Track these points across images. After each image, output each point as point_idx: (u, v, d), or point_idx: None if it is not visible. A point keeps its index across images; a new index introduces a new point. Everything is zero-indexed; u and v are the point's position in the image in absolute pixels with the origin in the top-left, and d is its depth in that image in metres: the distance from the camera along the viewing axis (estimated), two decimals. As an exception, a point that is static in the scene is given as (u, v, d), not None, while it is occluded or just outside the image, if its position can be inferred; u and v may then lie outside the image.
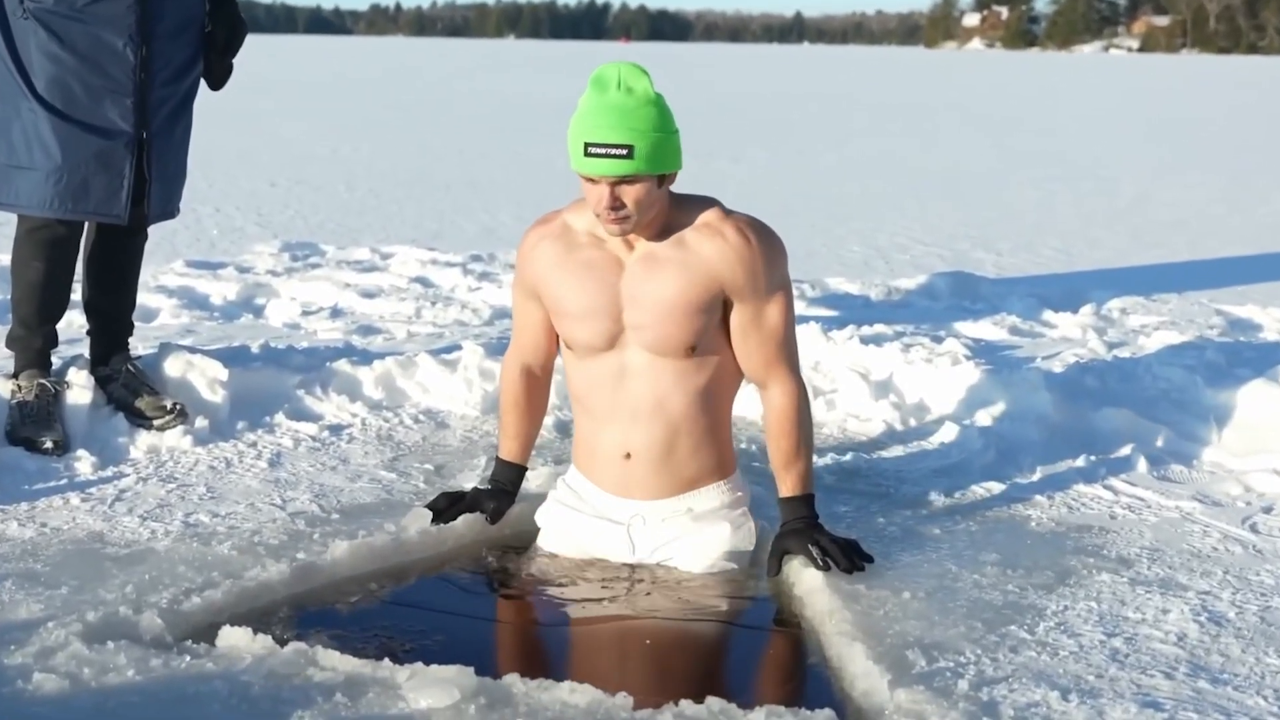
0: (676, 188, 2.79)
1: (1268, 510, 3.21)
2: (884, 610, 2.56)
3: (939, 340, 4.63)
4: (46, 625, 2.38)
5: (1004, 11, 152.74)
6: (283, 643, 2.35)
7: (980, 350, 4.56)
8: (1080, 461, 3.48)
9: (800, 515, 2.79)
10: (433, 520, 2.93)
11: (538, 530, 2.96)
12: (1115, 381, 4.04)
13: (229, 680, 2.22)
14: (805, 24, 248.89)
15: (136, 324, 3.81)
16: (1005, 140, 16.92)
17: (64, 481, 3.20)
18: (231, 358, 3.86)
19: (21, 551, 2.79)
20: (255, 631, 2.38)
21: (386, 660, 2.28)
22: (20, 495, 3.10)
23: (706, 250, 2.74)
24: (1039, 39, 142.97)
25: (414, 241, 7.70)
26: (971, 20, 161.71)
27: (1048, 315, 5.67)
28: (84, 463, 3.30)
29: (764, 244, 2.76)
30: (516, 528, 2.99)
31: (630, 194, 2.66)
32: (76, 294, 3.69)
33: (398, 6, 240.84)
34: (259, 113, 17.69)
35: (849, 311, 5.53)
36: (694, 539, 2.82)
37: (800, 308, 4.12)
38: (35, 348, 3.54)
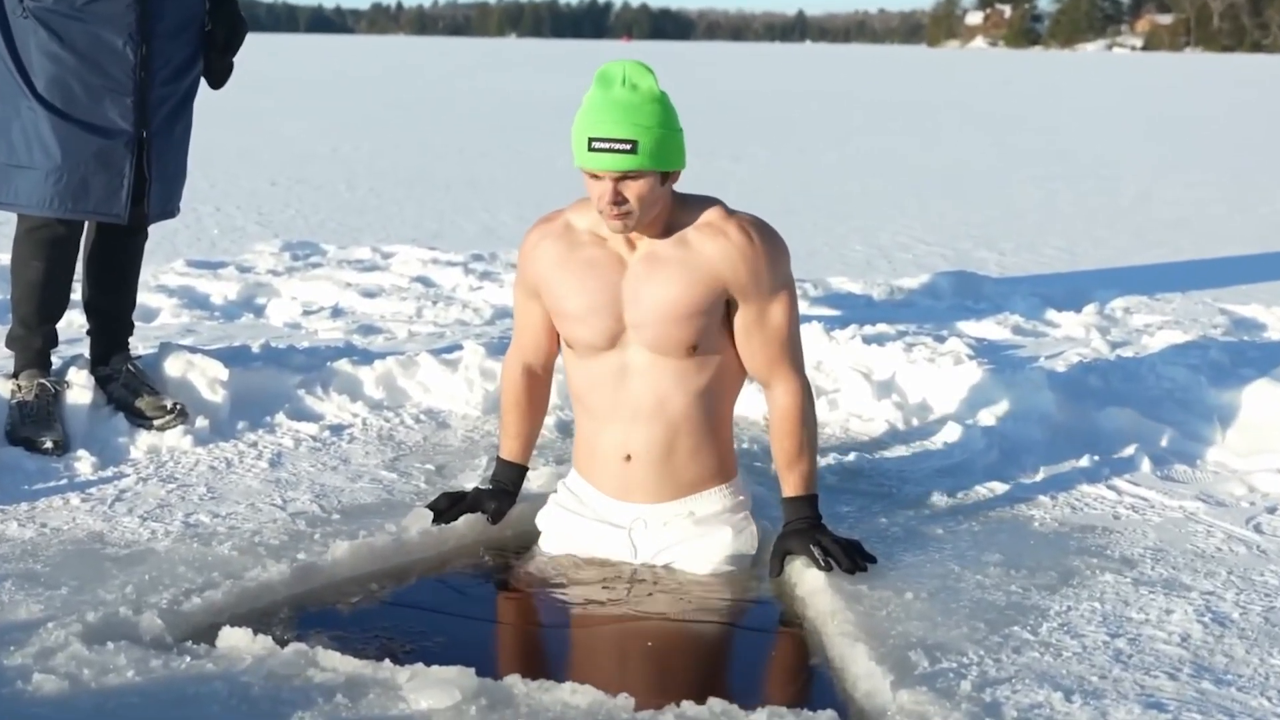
0: (678, 187, 2.79)
1: (1272, 510, 3.20)
2: (886, 611, 2.56)
3: (942, 340, 4.62)
4: (46, 626, 2.38)
5: (1007, 10, 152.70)
6: (283, 643, 2.34)
7: (983, 350, 4.55)
8: (1084, 461, 3.47)
9: (803, 515, 2.78)
10: (434, 520, 2.92)
11: (539, 532, 2.95)
12: (1119, 381, 4.04)
13: (229, 681, 2.21)
14: (807, 22, 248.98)
15: (137, 324, 3.81)
16: (1007, 139, 16.92)
17: (64, 482, 3.20)
18: (232, 357, 3.86)
19: (21, 552, 2.78)
20: (255, 632, 2.37)
21: (387, 661, 2.28)
22: (20, 495, 3.09)
23: (709, 250, 2.73)
24: (1042, 37, 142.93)
25: (415, 241, 7.69)
26: (974, 19, 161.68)
27: (1051, 315, 5.66)
28: (84, 463, 3.29)
29: (767, 243, 2.75)
30: (518, 528, 2.98)
31: (633, 189, 2.65)
32: (76, 294, 3.68)
33: (399, 5, 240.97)
34: (259, 112, 17.70)
35: (851, 311, 5.52)
36: (696, 543, 2.81)
37: (802, 307, 4.10)
38: (35, 347, 3.54)
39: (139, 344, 3.84)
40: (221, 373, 3.71)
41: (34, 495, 3.10)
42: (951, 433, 3.67)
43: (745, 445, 3.55)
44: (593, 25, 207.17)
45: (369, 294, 5.88)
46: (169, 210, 3.61)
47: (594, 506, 2.88)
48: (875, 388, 4.01)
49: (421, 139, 15.30)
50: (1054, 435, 3.64)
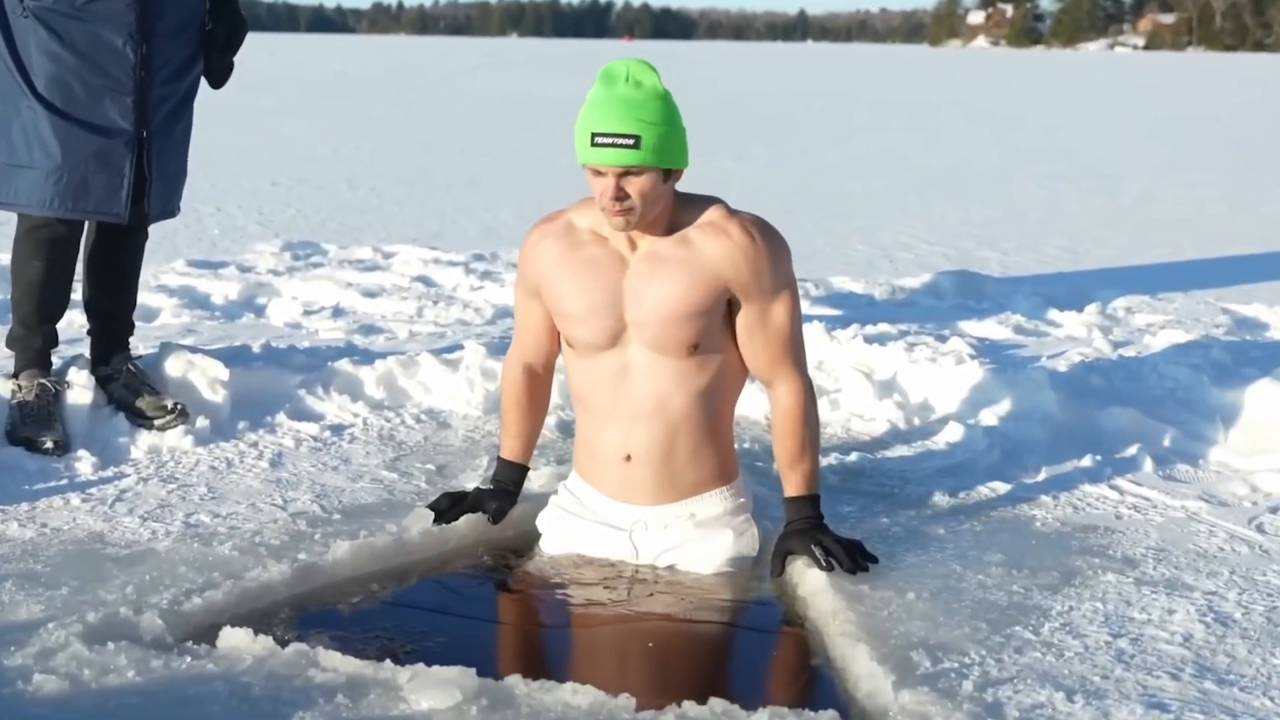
0: (680, 187, 2.78)
1: (1274, 510, 3.20)
2: (888, 611, 2.55)
3: (943, 339, 4.61)
4: (47, 626, 2.37)
5: (1009, 9, 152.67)
6: (284, 644, 2.34)
7: (985, 349, 4.54)
8: (1086, 461, 3.46)
9: (804, 515, 2.78)
10: (434, 521, 2.92)
11: (540, 533, 2.94)
12: (1121, 381, 4.03)
13: (229, 681, 2.21)
14: (809, 22, 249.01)
15: (137, 323, 3.80)
16: (1009, 137, 16.91)
17: (64, 482, 3.19)
18: (233, 357, 3.85)
19: (22, 552, 2.78)
20: (256, 632, 2.37)
21: (388, 661, 2.27)
22: (20, 495, 3.09)
23: (711, 249, 2.73)
24: (1044, 37, 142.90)
25: (416, 240, 7.69)
26: (976, 18, 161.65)
27: (1053, 314, 5.65)
28: (84, 463, 3.29)
29: (769, 242, 2.75)
30: (519, 528, 2.97)
31: (635, 185, 2.65)
32: (77, 293, 3.68)
33: (400, 5, 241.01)
34: (260, 111, 17.70)
35: (853, 310, 5.52)
36: (697, 545, 2.81)
37: (804, 307, 4.10)
38: (35, 347, 3.53)
39: (139, 344, 3.84)
40: (222, 373, 3.71)
41: (34, 495, 3.10)
42: (953, 432, 3.67)
43: (747, 445, 3.55)
44: (594, 25, 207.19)
45: (370, 294, 5.88)
46: (169, 210, 3.61)
47: (594, 509, 2.88)
48: (877, 387, 4.00)
49: (422, 139, 15.30)
50: (1056, 435, 3.63)
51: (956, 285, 6.23)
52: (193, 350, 3.81)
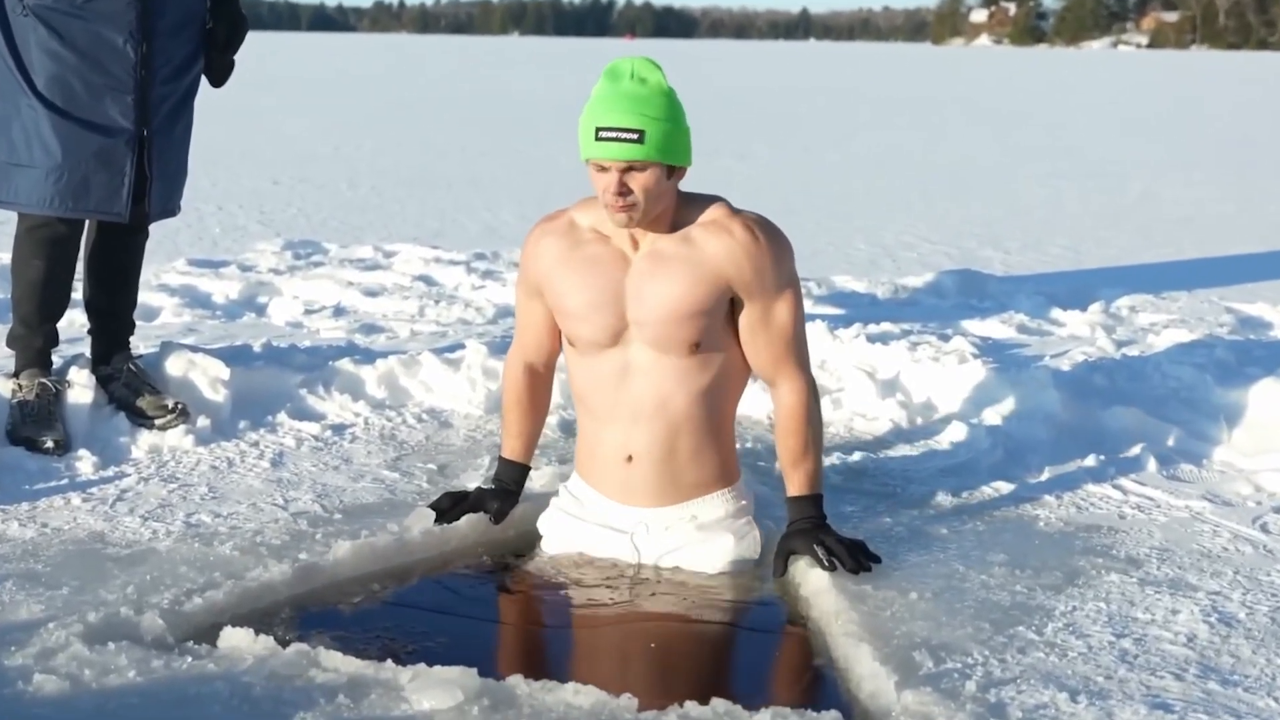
0: (682, 186, 2.78)
1: (1278, 510, 3.19)
2: (891, 611, 2.54)
3: (946, 339, 4.61)
4: (47, 626, 2.37)
5: (1012, 7, 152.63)
6: (285, 644, 2.33)
7: (988, 349, 4.54)
8: (1089, 461, 3.45)
9: (807, 515, 2.77)
10: (436, 520, 2.91)
11: (541, 533, 2.94)
12: (1124, 380, 4.02)
13: (230, 681, 2.20)
14: (811, 20, 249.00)
15: (138, 323, 3.80)
16: (1012, 136, 16.90)
17: (65, 481, 3.19)
18: (233, 357, 3.85)
19: (22, 552, 2.78)
20: (257, 632, 2.36)
21: (389, 661, 2.27)
22: (21, 495, 3.08)
23: (713, 248, 2.72)
24: (1047, 35, 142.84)
25: (417, 240, 7.68)
26: (979, 16, 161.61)
27: (1056, 313, 5.64)
28: (85, 462, 3.28)
29: (771, 241, 2.74)
30: (520, 528, 2.97)
31: (639, 181, 2.65)
32: (77, 293, 3.67)
33: (401, 3, 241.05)
34: (261, 110, 17.70)
35: (855, 310, 5.51)
36: (698, 549, 2.80)
37: (807, 306, 4.11)
38: (36, 347, 3.53)
39: (140, 343, 3.84)
40: (223, 372, 3.71)
41: (35, 495, 3.09)
42: (956, 432, 3.66)
43: (749, 444, 3.54)
44: (596, 23, 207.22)
45: (371, 293, 5.87)
46: (170, 209, 3.61)
47: (595, 511, 2.87)
48: (879, 387, 4.00)
49: (424, 137, 15.30)
50: (1059, 434, 3.62)
51: (959, 284, 6.22)
52: (194, 349, 3.81)
